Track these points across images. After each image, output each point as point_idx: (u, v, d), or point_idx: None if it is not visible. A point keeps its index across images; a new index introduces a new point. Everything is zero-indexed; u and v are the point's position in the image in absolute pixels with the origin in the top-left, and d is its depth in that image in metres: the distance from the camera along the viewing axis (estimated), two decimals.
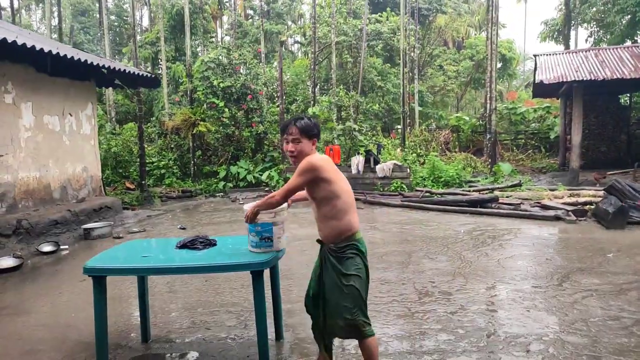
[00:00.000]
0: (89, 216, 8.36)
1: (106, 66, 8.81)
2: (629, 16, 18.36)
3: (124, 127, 17.21)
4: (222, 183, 14.01)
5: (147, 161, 13.21)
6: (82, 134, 9.36)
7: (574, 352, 3.30)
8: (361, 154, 12.98)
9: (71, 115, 8.95)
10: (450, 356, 3.29)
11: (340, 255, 2.78)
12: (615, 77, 12.01)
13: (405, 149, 15.96)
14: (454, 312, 4.12)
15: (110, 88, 14.40)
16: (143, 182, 12.01)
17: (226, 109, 14.28)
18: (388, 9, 25.44)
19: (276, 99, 16.37)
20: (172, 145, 15.23)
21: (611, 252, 5.94)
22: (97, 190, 9.73)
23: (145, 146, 13.28)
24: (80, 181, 9.14)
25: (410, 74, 21.64)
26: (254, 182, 14.06)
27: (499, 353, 3.33)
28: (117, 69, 9.18)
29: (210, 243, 3.45)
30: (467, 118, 21.04)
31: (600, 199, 8.34)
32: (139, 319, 3.83)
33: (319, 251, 2.97)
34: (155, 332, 3.88)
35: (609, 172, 12.73)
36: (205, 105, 14.67)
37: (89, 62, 7.95)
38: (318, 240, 2.96)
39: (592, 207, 8.33)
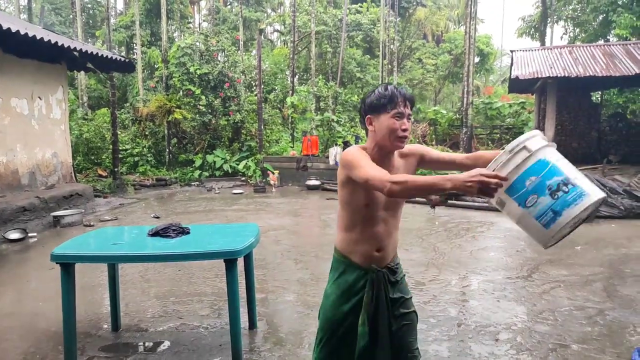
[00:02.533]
0: (58, 203, 8.13)
1: (77, 49, 8.54)
2: (602, 15, 18.78)
3: (96, 113, 16.79)
4: (198, 172, 13.83)
5: (120, 148, 12.91)
6: (52, 118, 9.07)
7: (540, 340, 3.38)
8: (339, 145, 13.00)
9: (40, 99, 8.66)
10: (422, 345, 3.33)
11: (398, 272, 2.07)
12: (587, 74, 12.29)
13: None
14: (427, 301, 4.17)
15: (83, 72, 13.96)
16: (116, 169, 11.76)
17: (203, 97, 14.06)
18: None
19: (254, 87, 16.19)
20: (146, 133, 14.93)
21: (579, 245, 6.11)
22: (67, 177, 9.47)
23: (119, 133, 12.98)
24: (49, 167, 8.88)
25: (390, 66, 21.70)
26: (230, 171, 13.92)
27: (468, 342, 3.39)
28: (89, 52, 8.91)
29: (184, 231, 3.39)
30: (444, 112, 21.28)
31: None
32: (109, 307, 3.75)
33: (357, 281, 1.98)
34: (126, 321, 3.81)
35: (580, 168, 13.04)
36: (181, 92, 14.42)
37: (59, 44, 7.68)
38: (364, 270, 1.98)
39: None
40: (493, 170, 1.57)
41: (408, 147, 2.00)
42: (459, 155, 2.06)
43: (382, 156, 1.92)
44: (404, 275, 2.11)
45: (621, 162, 13.76)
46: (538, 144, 1.61)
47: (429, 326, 3.64)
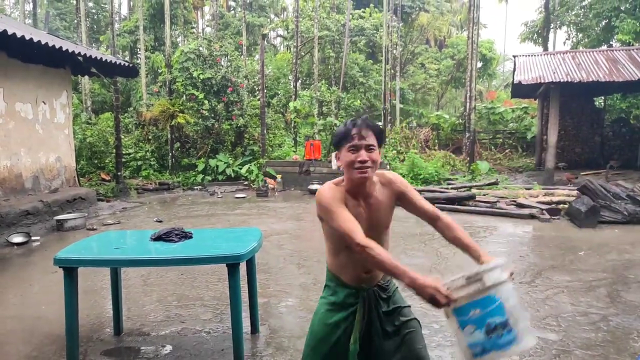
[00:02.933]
0: (62, 207, 8.16)
1: (82, 54, 8.59)
2: (605, 21, 18.78)
3: (100, 117, 16.84)
4: (201, 176, 13.85)
5: (123, 152, 12.95)
6: (56, 122, 9.11)
7: (544, 346, 3.37)
8: None
9: (45, 104, 8.71)
10: None
11: (389, 288, 2.09)
12: (590, 79, 12.28)
13: (385, 146, 16.05)
14: (430, 307, 4.15)
15: (87, 77, 14.02)
16: (119, 173, 11.79)
17: (206, 101, 14.10)
18: (371, 5, 25.48)
19: (257, 92, 16.24)
20: (149, 137, 14.98)
21: (582, 250, 6.09)
22: (70, 180, 9.50)
23: (122, 137, 13.03)
24: (53, 171, 8.91)
25: (392, 71, 21.73)
26: (233, 175, 13.94)
27: None
28: (93, 56, 8.96)
29: (186, 235, 3.40)
30: (447, 116, 21.25)
31: (574, 198, 8.53)
32: (111, 312, 3.76)
33: (347, 297, 2.03)
34: (128, 325, 3.82)
35: (583, 173, 13.04)
36: (184, 97, 14.46)
37: (63, 49, 7.73)
38: (354, 288, 2.02)
39: (566, 206, 8.51)
40: (447, 289, 1.68)
41: (392, 177, 2.05)
42: (433, 213, 2.05)
43: (355, 187, 1.96)
44: (397, 287, 2.10)
45: (625, 167, 13.73)
46: (495, 279, 1.70)
47: (432, 332, 3.63)
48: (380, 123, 21.13)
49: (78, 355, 3.09)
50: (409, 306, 2.09)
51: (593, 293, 4.48)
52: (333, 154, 12.21)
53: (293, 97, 16.76)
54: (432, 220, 2.05)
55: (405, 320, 2.01)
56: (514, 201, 9.54)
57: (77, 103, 16.10)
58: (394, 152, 15.21)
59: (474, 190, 10.56)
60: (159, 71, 19.44)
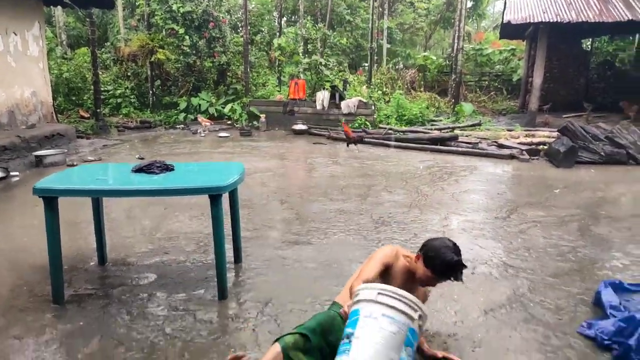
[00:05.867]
0: (40, 143, 8.00)
1: None
2: None
3: (76, 52, 16.12)
4: (183, 115, 13.59)
5: (102, 89, 12.53)
6: (30, 55, 8.73)
7: (514, 273, 3.54)
8: (327, 89, 12.79)
9: (16, 35, 8.29)
10: None
11: None
12: (580, 19, 12.07)
13: (371, 87, 15.82)
14: (408, 239, 4.30)
15: (60, 8, 13.33)
16: (98, 110, 11.49)
17: (187, 37, 13.55)
18: None
19: (240, 28, 15.63)
20: (128, 74, 14.47)
21: (558, 189, 6.27)
22: (48, 116, 9.26)
23: (100, 73, 12.56)
24: (29, 106, 8.65)
25: (380, 9, 20.99)
26: (216, 115, 13.71)
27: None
28: None
29: (168, 168, 3.38)
30: (434, 58, 20.89)
31: (554, 139, 8.65)
32: (94, 244, 3.80)
33: None
34: (112, 256, 3.87)
35: (565, 115, 13.15)
36: (164, 32, 13.87)
37: None
38: None
39: (546, 147, 8.65)
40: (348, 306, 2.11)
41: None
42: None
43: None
44: None
45: (607, 110, 13.86)
46: (363, 296, 2.03)
47: None
48: (366, 64, 20.71)
49: (63, 283, 3.15)
50: None
51: (565, 227, 4.66)
52: (318, 93, 12.01)
53: (277, 34, 16.23)
54: None
55: None
56: (495, 142, 9.66)
57: (51, 37, 15.36)
58: (380, 92, 15.01)
59: (456, 132, 10.62)
60: (137, 3, 18.47)
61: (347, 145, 9.59)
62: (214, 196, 2.98)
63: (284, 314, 2.94)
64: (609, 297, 2.96)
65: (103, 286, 3.37)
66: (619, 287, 3.10)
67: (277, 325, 2.82)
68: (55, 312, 2.98)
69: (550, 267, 3.66)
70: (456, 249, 2.33)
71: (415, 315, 1.97)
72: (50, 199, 2.92)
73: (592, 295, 3.15)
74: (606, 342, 2.58)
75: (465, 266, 2.33)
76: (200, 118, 12.41)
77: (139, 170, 3.31)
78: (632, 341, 2.45)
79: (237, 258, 3.75)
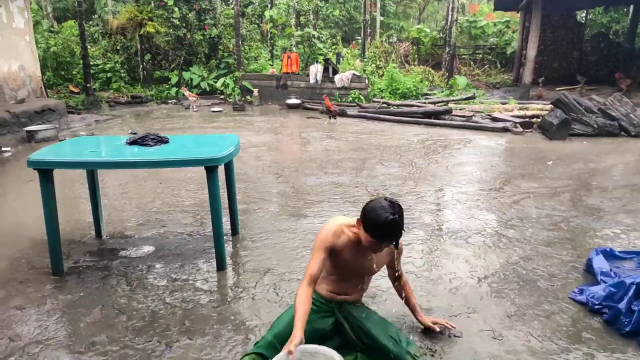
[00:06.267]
0: (31, 118, 7.88)
1: None
2: None
3: (62, 26, 15.75)
4: (175, 89, 13.41)
5: (91, 63, 12.30)
6: (15, 28, 8.51)
7: (507, 243, 3.60)
8: (320, 62, 12.64)
9: (0, 6, 8.07)
10: None
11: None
12: None
13: (365, 60, 15.67)
14: (404, 211, 4.33)
15: None
16: (88, 85, 11.29)
17: (176, 9, 13.27)
18: None
19: (230, 0, 15.32)
20: (117, 47, 14.17)
21: (551, 160, 6.32)
22: (37, 91, 9.10)
23: (88, 47, 12.30)
24: (17, 80, 8.49)
25: None
26: (208, 89, 13.55)
27: (442, 244, 3.59)
28: None
29: (162, 140, 3.36)
30: (428, 30, 20.65)
31: (547, 112, 8.67)
32: (91, 217, 3.80)
33: (326, 314, 2.30)
34: (109, 229, 3.89)
35: (558, 88, 13.14)
36: (152, 4, 13.55)
37: None
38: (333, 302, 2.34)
39: (539, 120, 8.67)
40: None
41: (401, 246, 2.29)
42: (401, 273, 2.46)
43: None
44: (367, 307, 2.42)
45: (600, 83, 13.87)
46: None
47: (405, 232, 3.81)
48: (359, 37, 20.45)
49: (61, 255, 3.16)
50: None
51: (557, 198, 4.72)
52: (311, 67, 11.90)
53: (269, 5, 15.91)
54: (396, 278, 2.47)
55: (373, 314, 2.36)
56: (489, 115, 9.66)
57: (36, 9, 14.95)
58: (373, 66, 14.87)
59: (451, 105, 10.59)
60: None
61: (329, 118, 9.65)
62: (210, 168, 2.98)
63: (282, 284, 2.98)
64: (600, 263, 3.03)
65: (101, 258, 3.38)
66: (609, 255, 3.16)
67: (277, 294, 2.86)
68: (55, 283, 3.00)
69: (543, 237, 3.73)
70: (394, 209, 2.01)
71: None
72: (45, 171, 2.90)
73: (584, 262, 3.22)
74: (596, 306, 2.66)
75: (401, 226, 2.03)
76: (186, 90, 12.21)
77: (133, 142, 3.29)
78: (622, 305, 2.52)
79: (234, 230, 3.78)
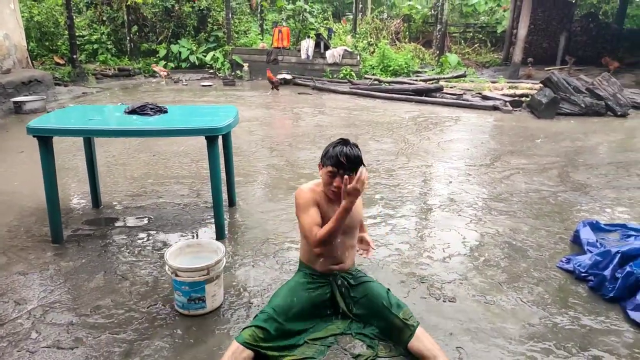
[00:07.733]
0: (17, 89, 7.73)
1: None
2: None
3: None
4: (163, 62, 13.21)
5: (77, 34, 12.02)
6: None
7: (497, 215, 3.72)
8: (312, 37, 12.54)
9: None
10: (390, 219, 3.61)
11: (354, 275, 2.40)
12: None
13: (356, 36, 15.55)
14: (396, 185, 4.42)
15: None
16: (74, 57, 11.07)
17: None
18: None
19: None
20: (104, 18, 13.85)
21: (539, 138, 6.44)
22: (23, 61, 8.90)
23: (74, 17, 11.99)
24: (2, 50, 8.28)
25: None
26: (197, 63, 13.37)
27: (435, 217, 3.69)
28: None
29: (161, 110, 3.37)
30: (419, 7, 20.48)
31: (536, 91, 8.77)
32: (86, 188, 3.81)
33: (322, 285, 2.33)
34: (106, 199, 3.90)
35: (547, 68, 13.25)
36: None
37: None
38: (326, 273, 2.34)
39: (528, 98, 8.78)
40: None
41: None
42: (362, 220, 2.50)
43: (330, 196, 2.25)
44: (363, 274, 2.43)
45: (588, 63, 14.00)
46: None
47: (398, 204, 3.91)
48: (350, 14, 20.20)
49: (61, 223, 3.18)
50: (375, 281, 2.42)
51: (545, 174, 4.85)
52: (303, 42, 11.81)
53: None
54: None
55: (367, 281, 2.37)
56: (479, 94, 9.74)
57: None
58: (365, 42, 14.78)
59: (441, 83, 10.64)
60: None
61: (272, 89, 10.25)
62: (211, 137, 3.01)
63: (281, 252, 3.06)
64: (586, 234, 3.16)
65: (100, 227, 3.41)
66: (595, 227, 3.29)
67: (276, 262, 2.94)
68: (55, 250, 3.03)
69: (531, 210, 3.85)
70: (344, 140, 2.16)
71: None
72: (45, 139, 2.90)
73: (571, 234, 3.34)
74: (583, 274, 2.79)
75: (352, 155, 2.10)
76: (155, 67, 12.07)
77: (132, 111, 3.29)
78: (607, 272, 2.65)
79: (231, 202, 3.82)
